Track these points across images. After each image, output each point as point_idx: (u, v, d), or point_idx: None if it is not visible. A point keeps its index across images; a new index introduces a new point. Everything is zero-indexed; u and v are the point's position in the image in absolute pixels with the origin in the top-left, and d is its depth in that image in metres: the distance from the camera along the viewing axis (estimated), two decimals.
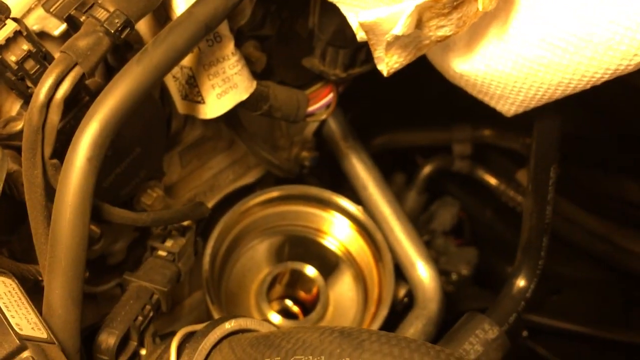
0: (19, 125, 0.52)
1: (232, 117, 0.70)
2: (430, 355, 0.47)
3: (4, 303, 0.44)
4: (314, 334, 0.50)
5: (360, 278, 0.90)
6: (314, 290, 0.90)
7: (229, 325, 0.55)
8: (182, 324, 0.86)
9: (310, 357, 0.48)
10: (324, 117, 0.75)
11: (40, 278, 0.55)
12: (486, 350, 0.66)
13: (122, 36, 0.52)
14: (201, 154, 0.80)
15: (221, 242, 0.86)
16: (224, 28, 0.61)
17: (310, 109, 0.73)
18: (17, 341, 0.43)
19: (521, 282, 0.68)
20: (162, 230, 0.67)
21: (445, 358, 0.47)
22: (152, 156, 0.66)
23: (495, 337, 0.66)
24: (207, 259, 0.81)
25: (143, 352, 0.59)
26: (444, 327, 0.83)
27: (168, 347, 0.54)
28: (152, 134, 0.65)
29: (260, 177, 0.88)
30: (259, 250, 0.91)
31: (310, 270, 0.89)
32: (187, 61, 0.62)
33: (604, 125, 0.98)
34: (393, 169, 1.24)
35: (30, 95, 0.52)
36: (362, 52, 0.70)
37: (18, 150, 0.54)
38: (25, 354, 0.43)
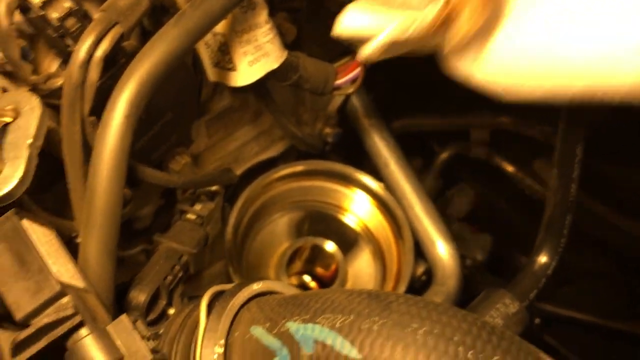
0: (59, 82, 0.53)
1: (261, 87, 0.71)
2: (457, 317, 0.47)
3: (45, 250, 0.45)
4: (342, 295, 0.51)
5: (379, 255, 0.91)
6: (333, 266, 0.91)
7: (256, 287, 0.56)
8: (201, 294, 0.87)
9: (339, 316, 0.48)
10: (350, 90, 0.75)
11: (74, 234, 0.57)
12: (506, 323, 0.66)
13: None
14: (227, 124, 0.81)
15: (244, 213, 0.87)
16: None
17: (338, 82, 0.73)
18: (58, 287, 0.44)
19: (543, 259, 0.69)
20: (191, 195, 0.68)
21: (473, 321, 0.47)
22: (183, 122, 0.67)
23: (516, 312, 0.67)
24: (230, 229, 0.82)
25: (171, 311, 0.60)
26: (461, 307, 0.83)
27: (197, 305, 0.56)
28: (184, 100, 0.65)
29: (284, 151, 0.89)
30: (280, 225, 0.92)
31: (329, 246, 0.90)
32: (220, 28, 0.62)
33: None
34: (409, 154, 1.24)
35: (69, 54, 0.53)
36: None
37: (55, 108, 0.56)
38: (66, 299, 0.44)
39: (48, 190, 0.60)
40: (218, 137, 0.81)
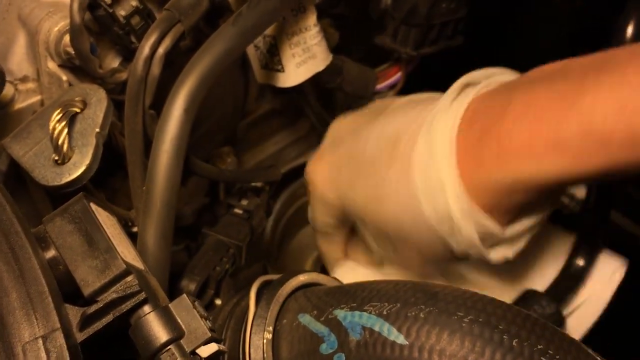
0: (123, 76, 0.56)
1: (304, 89, 0.73)
2: (502, 308, 0.49)
3: (110, 233, 0.48)
4: (389, 285, 0.53)
5: None
6: None
7: (303, 277, 0.58)
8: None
9: (386, 304, 0.50)
10: (390, 95, 0.77)
11: (130, 223, 0.59)
12: None
13: None
14: (268, 127, 0.83)
15: (281, 217, 0.89)
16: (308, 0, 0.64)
17: (378, 86, 0.76)
18: (124, 266, 0.46)
19: (580, 262, 0.70)
20: (238, 190, 0.71)
21: (517, 312, 0.49)
22: (229, 122, 0.70)
23: (552, 313, 0.68)
24: (268, 230, 0.84)
25: (218, 301, 0.62)
26: None
27: (245, 294, 0.58)
28: (231, 100, 0.68)
29: None
30: None
31: None
32: (270, 30, 0.65)
33: None
34: None
35: (132, 51, 0.56)
36: (432, 31, 0.73)
37: (114, 103, 0.58)
38: (130, 277, 0.45)
39: (105, 181, 0.63)
40: (258, 139, 0.83)
